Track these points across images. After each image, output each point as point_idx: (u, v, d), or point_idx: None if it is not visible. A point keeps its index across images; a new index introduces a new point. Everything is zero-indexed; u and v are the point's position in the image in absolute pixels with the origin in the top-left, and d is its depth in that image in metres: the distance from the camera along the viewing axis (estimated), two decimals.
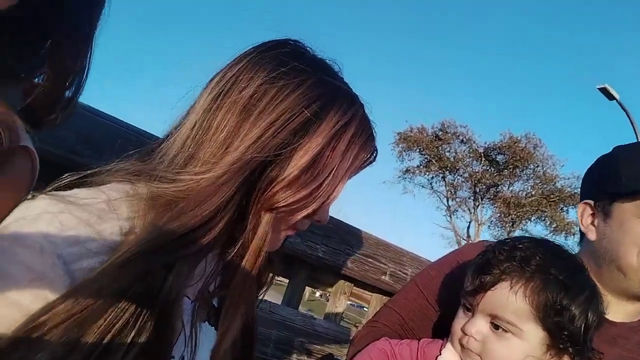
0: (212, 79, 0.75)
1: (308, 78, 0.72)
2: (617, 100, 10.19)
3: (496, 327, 0.86)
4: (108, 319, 0.56)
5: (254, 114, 0.69)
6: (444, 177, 25.49)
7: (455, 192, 25.37)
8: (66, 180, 0.66)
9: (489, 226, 25.39)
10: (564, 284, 0.84)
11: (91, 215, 0.60)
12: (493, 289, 0.85)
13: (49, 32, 0.62)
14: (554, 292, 0.83)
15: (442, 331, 1.09)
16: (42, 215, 0.57)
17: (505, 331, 0.85)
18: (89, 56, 0.68)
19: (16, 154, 0.59)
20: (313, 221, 0.78)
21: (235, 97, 0.70)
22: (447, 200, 25.14)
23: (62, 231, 0.57)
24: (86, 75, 0.69)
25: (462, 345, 0.89)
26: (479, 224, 25.09)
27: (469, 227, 25.05)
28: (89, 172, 0.68)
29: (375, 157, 0.80)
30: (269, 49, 0.75)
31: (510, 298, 0.83)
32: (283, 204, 0.70)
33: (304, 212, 0.72)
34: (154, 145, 0.74)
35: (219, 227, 0.66)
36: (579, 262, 0.92)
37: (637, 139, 9.54)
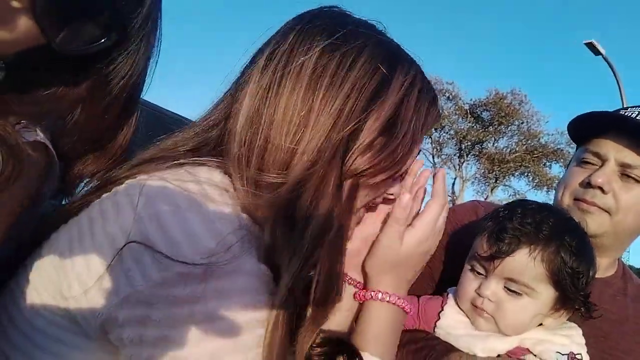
0: (255, 57, 0.71)
1: (367, 40, 0.68)
2: (602, 56, 10.21)
3: (510, 289, 0.91)
4: None
5: (322, 88, 0.65)
6: (429, 135, 25.56)
7: (440, 150, 25.53)
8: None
9: (472, 182, 25.81)
10: (576, 249, 0.90)
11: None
12: (512, 255, 0.89)
13: None
14: (567, 256, 0.89)
15: (436, 287, 1.15)
16: None
17: (519, 293, 0.90)
18: None
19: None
20: (387, 197, 0.77)
21: (296, 73, 0.65)
22: (433, 158, 25.28)
23: None
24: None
25: (475, 306, 0.94)
26: (463, 181, 25.44)
27: (453, 184, 25.39)
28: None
29: (440, 114, 0.78)
30: (314, 17, 0.71)
31: (529, 264, 0.88)
32: (365, 168, 0.67)
33: (387, 174, 0.70)
34: (197, 130, 0.72)
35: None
36: (581, 226, 0.98)
37: (621, 95, 9.66)
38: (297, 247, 0.62)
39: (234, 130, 0.67)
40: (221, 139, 0.69)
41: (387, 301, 0.77)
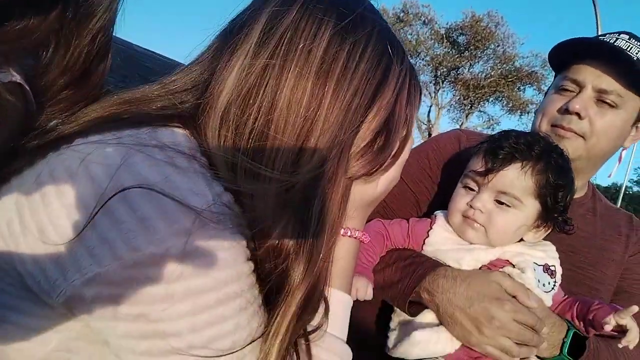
0: (249, 18, 0.63)
1: (372, 28, 0.65)
2: None
3: (500, 202, 0.99)
4: None
5: (333, 81, 0.60)
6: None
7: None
8: None
9: (448, 109, 25.93)
10: (561, 167, 0.99)
11: None
12: (506, 168, 0.98)
13: None
14: (554, 173, 0.98)
15: (421, 213, 1.22)
16: None
17: (509, 205, 0.99)
18: None
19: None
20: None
21: (304, 58, 0.60)
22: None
23: None
24: None
25: (466, 217, 1.02)
26: (439, 108, 25.50)
27: (429, 112, 25.49)
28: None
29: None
30: None
31: (520, 177, 0.97)
32: (365, 171, 0.67)
33: (383, 172, 0.71)
34: (168, 89, 0.65)
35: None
36: (564, 150, 1.05)
37: (597, 18, 9.59)
38: (305, 243, 0.60)
39: (217, 102, 0.60)
40: (197, 107, 0.63)
41: (355, 237, 0.78)
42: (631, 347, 0.93)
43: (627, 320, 0.93)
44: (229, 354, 0.55)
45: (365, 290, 0.92)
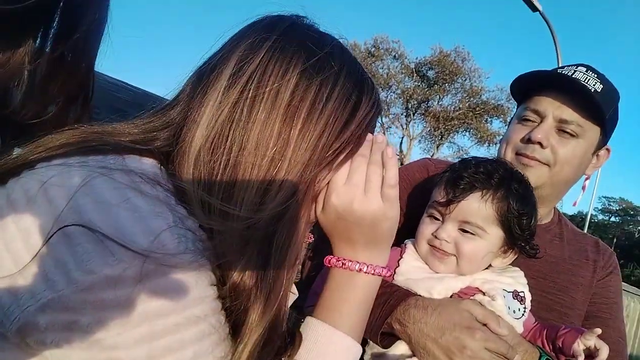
0: (219, 62, 0.64)
1: (341, 67, 0.66)
2: (540, 12, 10.53)
3: (464, 231, 1.00)
4: None
5: (300, 120, 0.62)
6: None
7: (388, 109, 25.83)
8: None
9: (419, 140, 26.48)
10: (521, 195, 1.01)
11: None
12: (466, 199, 0.99)
13: None
14: (514, 201, 0.99)
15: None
16: None
17: (473, 234, 1.00)
18: None
19: None
20: None
21: (272, 98, 0.61)
22: (381, 118, 25.60)
23: None
24: None
25: (433, 247, 1.02)
26: (410, 139, 26.04)
27: (401, 143, 25.97)
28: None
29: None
30: (288, 30, 0.66)
31: (480, 206, 0.98)
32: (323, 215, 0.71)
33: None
34: (143, 125, 0.65)
35: None
36: (525, 177, 1.07)
37: (557, 51, 10.06)
38: (269, 285, 0.60)
39: (190, 148, 0.61)
40: (170, 145, 0.63)
41: (373, 273, 0.77)
42: None
43: (592, 341, 0.94)
44: None
45: None
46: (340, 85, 0.65)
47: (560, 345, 0.98)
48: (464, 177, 1.00)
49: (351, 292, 0.73)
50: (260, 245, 0.60)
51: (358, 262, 0.74)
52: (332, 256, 0.76)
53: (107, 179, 0.52)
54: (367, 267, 0.74)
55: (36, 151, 0.56)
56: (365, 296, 0.75)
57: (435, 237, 1.02)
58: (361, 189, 0.70)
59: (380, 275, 0.76)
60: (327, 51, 0.65)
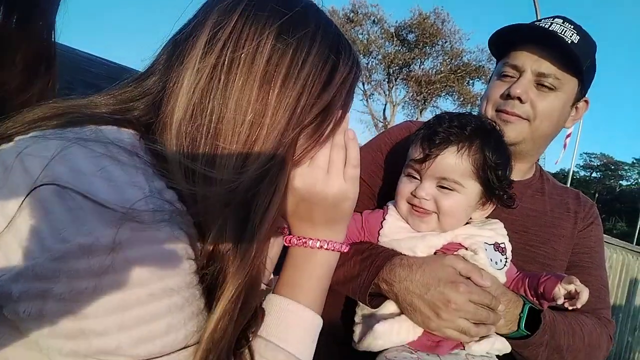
0: (194, 28, 0.64)
1: (316, 27, 0.65)
2: None
3: (442, 187, 1.00)
4: None
5: (277, 84, 0.62)
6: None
7: (370, 76, 25.65)
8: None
9: (402, 106, 26.44)
10: (496, 146, 1.01)
11: None
12: (442, 154, 0.99)
13: None
14: (489, 153, 0.99)
15: (376, 203, 1.22)
16: None
17: (451, 190, 1.00)
18: None
19: None
20: None
21: (248, 64, 0.61)
22: (363, 85, 25.43)
23: None
24: None
25: (413, 205, 1.03)
26: (394, 105, 25.99)
27: (384, 109, 25.93)
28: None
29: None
30: None
31: (457, 161, 0.98)
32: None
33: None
34: (126, 96, 0.64)
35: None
36: (497, 126, 1.08)
37: (535, 6, 10.03)
38: (245, 247, 0.60)
39: (172, 118, 0.61)
40: (149, 115, 0.63)
41: (333, 249, 0.78)
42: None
43: (573, 285, 0.97)
44: (159, 357, 0.53)
45: None
46: (317, 47, 0.65)
47: (542, 292, 1.01)
48: (438, 132, 1.00)
49: (312, 268, 0.75)
50: (239, 208, 0.60)
51: (319, 240, 0.75)
52: (291, 235, 0.77)
53: (83, 148, 0.52)
54: (327, 243, 0.76)
55: (13, 126, 0.56)
56: (324, 272, 0.77)
57: (414, 195, 1.02)
58: (324, 171, 0.71)
59: (339, 251, 0.78)
60: (300, 11, 0.65)
